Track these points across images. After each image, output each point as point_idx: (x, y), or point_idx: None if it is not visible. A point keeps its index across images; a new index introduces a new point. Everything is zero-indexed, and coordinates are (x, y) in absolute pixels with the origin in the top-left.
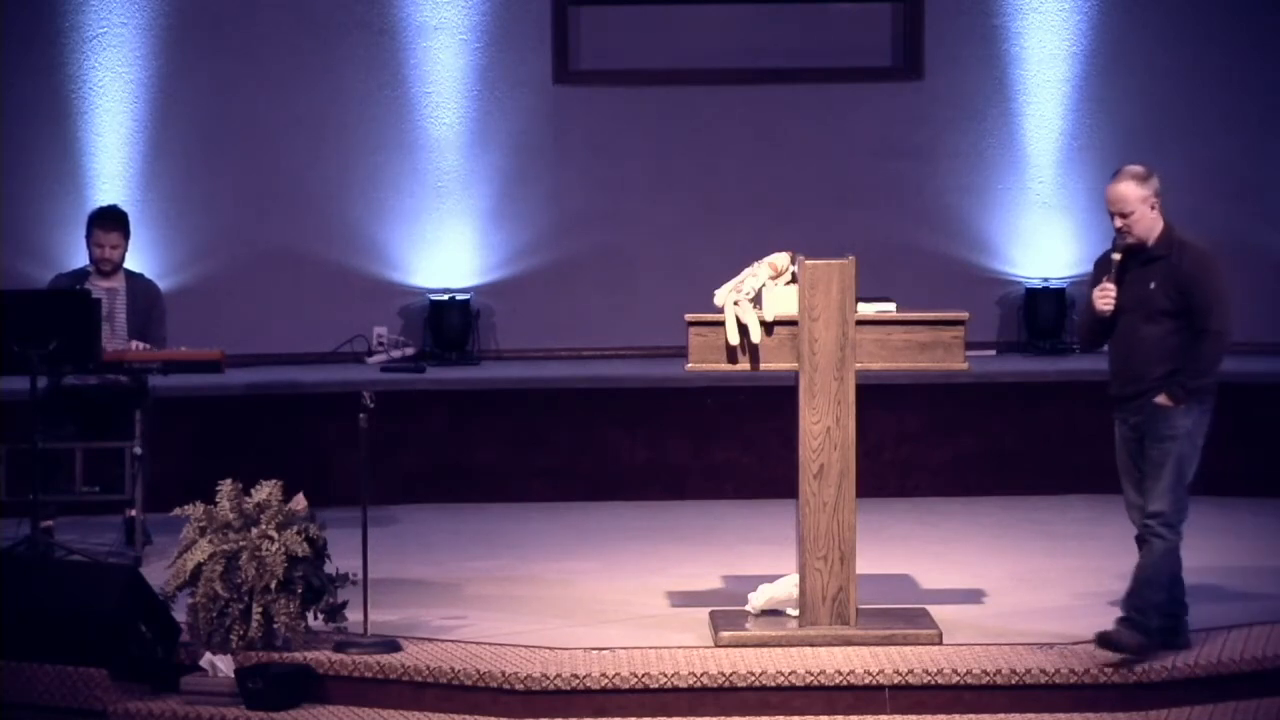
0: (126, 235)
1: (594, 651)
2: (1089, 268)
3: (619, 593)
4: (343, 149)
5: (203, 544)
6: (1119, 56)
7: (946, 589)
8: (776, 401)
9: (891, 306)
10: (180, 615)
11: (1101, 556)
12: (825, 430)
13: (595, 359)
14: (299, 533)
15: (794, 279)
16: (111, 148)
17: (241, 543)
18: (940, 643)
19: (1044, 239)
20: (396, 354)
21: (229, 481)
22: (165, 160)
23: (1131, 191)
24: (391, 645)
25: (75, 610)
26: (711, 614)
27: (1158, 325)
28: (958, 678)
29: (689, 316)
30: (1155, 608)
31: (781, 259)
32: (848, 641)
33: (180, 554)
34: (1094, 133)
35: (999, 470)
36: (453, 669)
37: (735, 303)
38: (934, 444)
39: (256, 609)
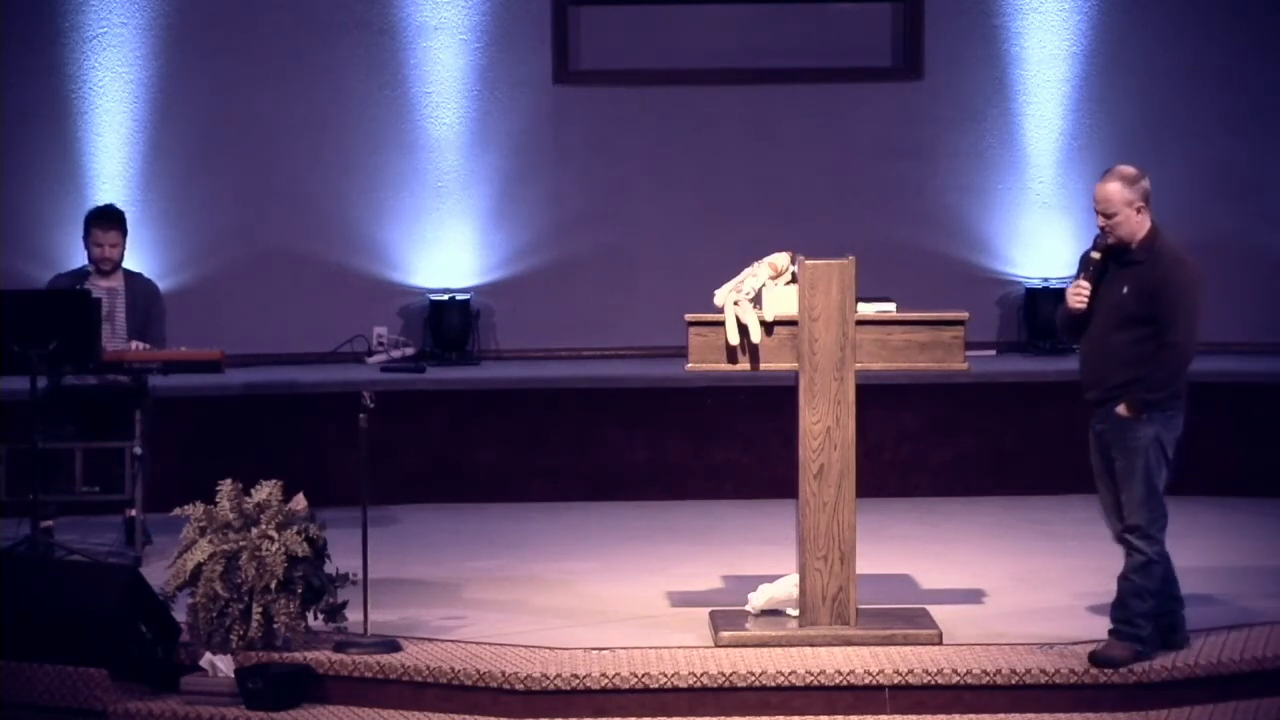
0: (124, 234)
1: (594, 651)
2: None
3: (619, 593)
4: (343, 149)
5: (203, 544)
6: (1119, 56)
7: (946, 589)
8: (776, 401)
9: (891, 306)
10: (180, 615)
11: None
12: (825, 430)
13: (595, 359)
14: (299, 533)
15: (794, 279)
16: (111, 148)
17: (241, 543)
18: (940, 643)
19: (1044, 239)
20: (396, 354)
21: (229, 481)
22: (165, 160)
23: (1117, 193)
24: (391, 645)
25: (75, 610)
26: (711, 614)
27: (1125, 331)
28: (958, 678)
29: (689, 316)
30: (1143, 615)
31: (781, 259)
32: (848, 641)
33: (180, 554)
34: (1094, 133)
35: (999, 470)
36: (453, 669)
37: (735, 303)
38: (934, 444)
39: (256, 609)
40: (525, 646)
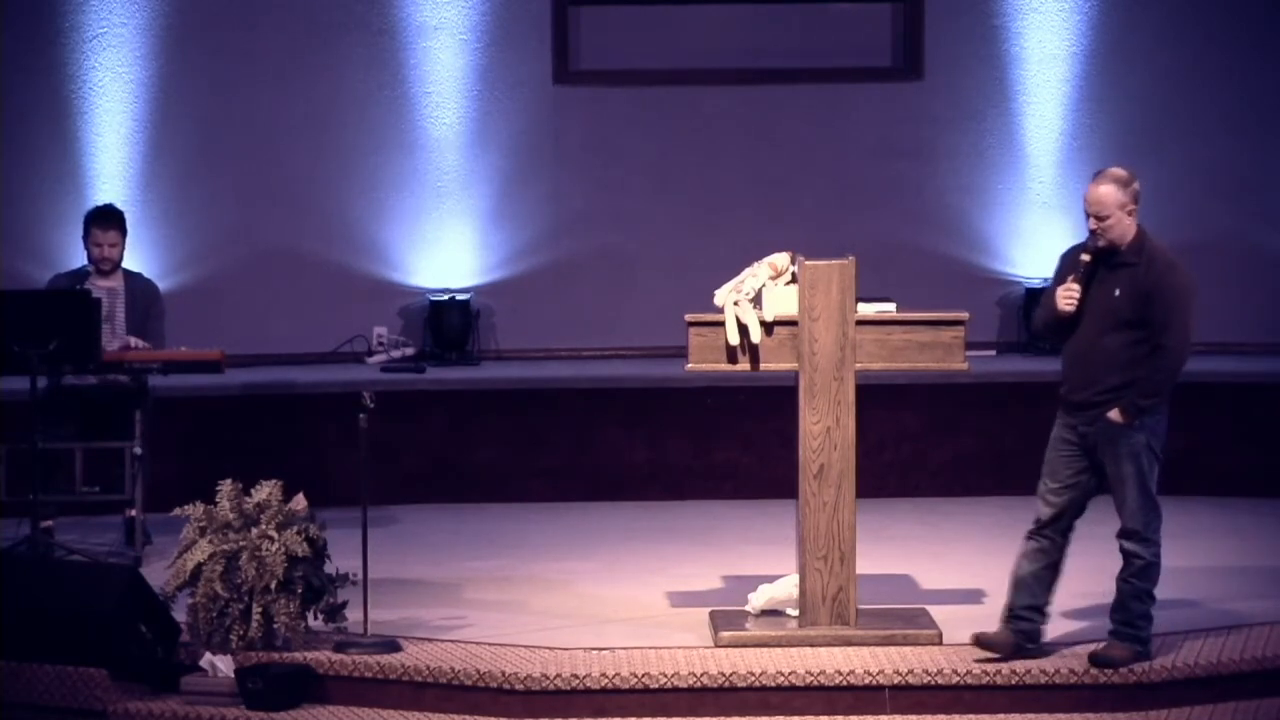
0: (124, 234)
1: (594, 651)
2: None
3: (619, 593)
4: (343, 149)
5: (203, 544)
6: (1119, 56)
7: (946, 589)
8: (776, 401)
9: (891, 306)
10: (180, 615)
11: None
12: (825, 430)
13: (595, 359)
14: (299, 533)
15: (794, 279)
16: (111, 148)
17: (241, 543)
18: (940, 643)
19: (1044, 239)
20: (396, 354)
21: (229, 481)
22: (165, 160)
23: (1111, 195)
24: (391, 645)
25: (75, 610)
26: (711, 614)
27: (1118, 334)
28: (958, 678)
29: (689, 317)
30: (1143, 617)
31: (781, 259)
32: (848, 642)
33: (180, 554)
34: (1094, 133)
35: (999, 470)
36: (453, 669)
37: (735, 303)
38: (934, 444)
39: (256, 609)
40: (525, 646)
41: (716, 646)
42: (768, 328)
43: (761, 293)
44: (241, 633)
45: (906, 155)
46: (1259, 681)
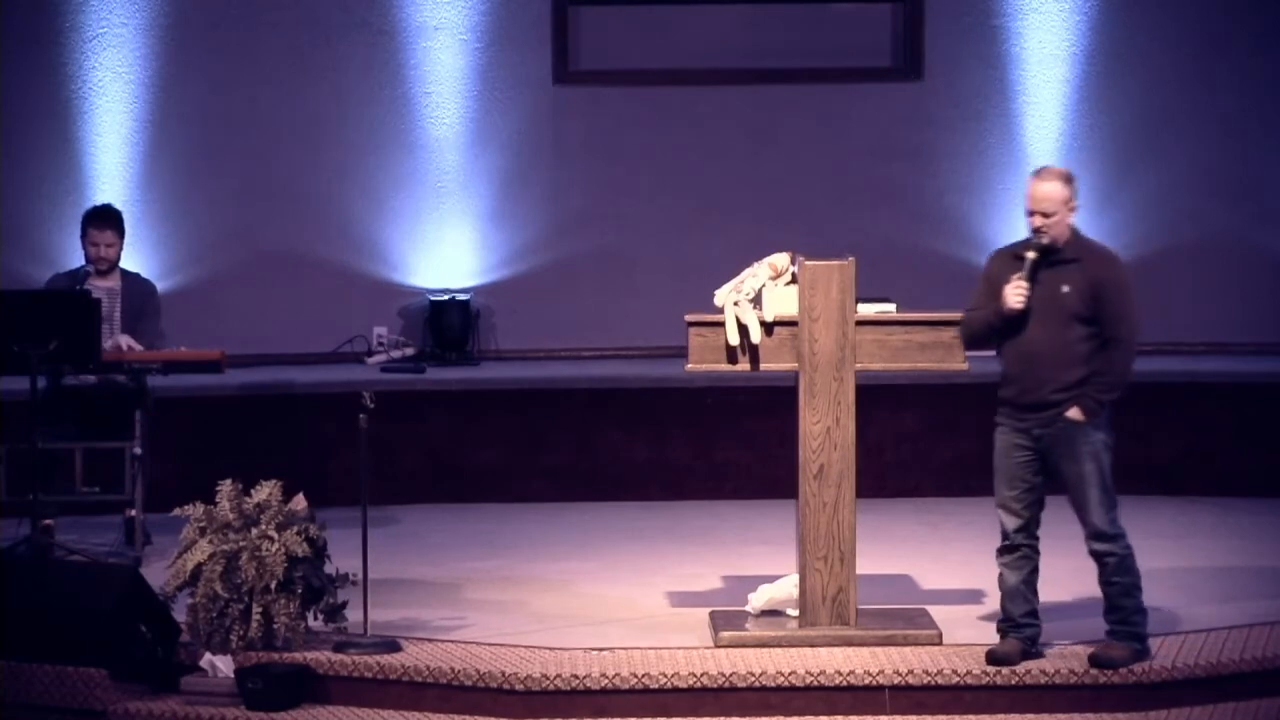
0: (121, 234)
1: (594, 651)
2: None
3: (619, 593)
4: (343, 149)
5: (203, 544)
6: (1119, 56)
7: (946, 589)
8: (776, 401)
9: (891, 307)
10: (180, 615)
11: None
12: (825, 430)
13: (595, 359)
14: (299, 533)
15: (794, 279)
16: (111, 148)
17: (241, 543)
18: (940, 643)
19: None
20: (396, 354)
21: (229, 481)
22: (165, 160)
23: (1057, 192)
24: (391, 645)
25: (75, 610)
26: (711, 614)
27: (1070, 330)
28: (958, 678)
29: (689, 317)
30: (1137, 612)
31: (781, 259)
32: (848, 642)
33: (180, 554)
34: (1094, 133)
35: None
36: (453, 669)
37: (735, 303)
38: (934, 444)
39: (256, 609)
40: (525, 646)
41: (716, 647)
42: (768, 328)
43: (761, 293)
44: (241, 633)
45: (906, 155)
46: (1259, 681)
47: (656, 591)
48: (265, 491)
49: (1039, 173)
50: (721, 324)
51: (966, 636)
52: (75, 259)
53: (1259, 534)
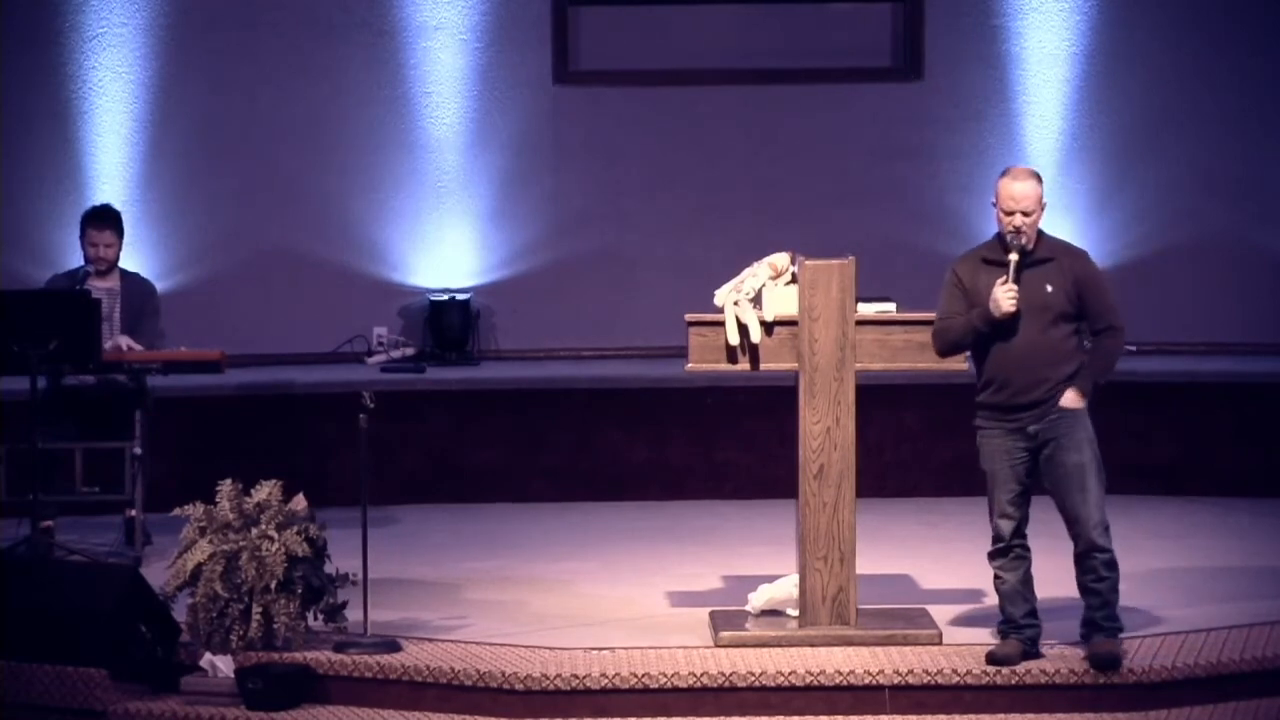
0: (120, 234)
1: (594, 651)
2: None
3: (619, 593)
4: (343, 149)
5: (203, 544)
6: (1119, 56)
7: (946, 589)
8: (776, 401)
9: (891, 306)
10: (180, 615)
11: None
12: (825, 430)
13: (595, 359)
14: (299, 533)
15: (794, 279)
16: (111, 148)
17: (241, 543)
18: (940, 643)
19: None
20: (396, 354)
21: (229, 481)
22: (165, 160)
23: (1036, 191)
24: (391, 645)
25: (75, 610)
26: (711, 614)
27: (1058, 328)
28: (958, 678)
29: (689, 316)
30: (1118, 606)
31: (781, 259)
32: (848, 641)
33: (180, 554)
34: (1094, 133)
35: None
36: (452, 669)
37: (735, 303)
38: (934, 444)
39: (256, 609)
40: (525, 646)
41: (716, 646)
42: (768, 328)
43: (761, 293)
44: (241, 633)
45: (906, 155)
46: (1259, 681)
47: (656, 591)
48: (265, 491)
49: (1012, 172)
50: (721, 324)
51: (966, 636)
52: (75, 259)
53: (1259, 534)
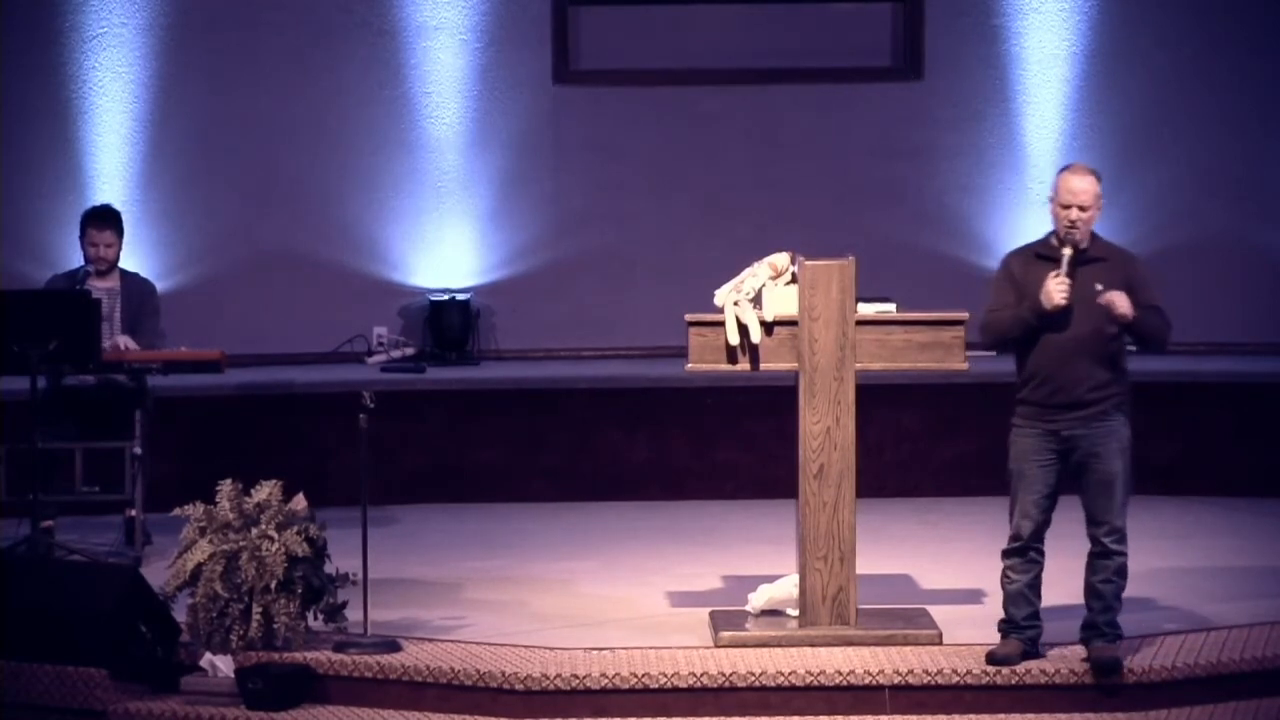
0: (120, 234)
1: (594, 651)
2: None
3: (619, 593)
4: (343, 149)
5: (203, 544)
6: (1119, 56)
7: (946, 589)
8: (776, 401)
9: (891, 306)
10: (180, 615)
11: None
12: (825, 430)
13: (595, 359)
14: (299, 533)
15: (794, 279)
16: (111, 148)
17: (241, 543)
18: (940, 643)
19: None
20: (396, 354)
21: (229, 481)
22: (165, 160)
23: (1094, 187)
24: (391, 645)
25: (75, 610)
26: (711, 614)
27: (1106, 328)
28: (958, 678)
29: (689, 317)
30: (1119, 612)
31: (781, 259)
32: (848, 641)
33: (180, 554)
34: (1094, 133)
35: (999, 470)
36: (452, 669)
37: (735, 303)
38: (934, 444)
39: (256, 609)
40: (525, 646)
41: (716, 646)
42: (768, 328)
43: (761, 293)
44: (241, 633)
45: (906, 155)
46: (1259, 681)
47: (656, 591)
48: (265, 491)
49: (1072, 168)
50: (721, 324)
51: (966, 636)
52: (75, 259)
53: (1259, 533)
